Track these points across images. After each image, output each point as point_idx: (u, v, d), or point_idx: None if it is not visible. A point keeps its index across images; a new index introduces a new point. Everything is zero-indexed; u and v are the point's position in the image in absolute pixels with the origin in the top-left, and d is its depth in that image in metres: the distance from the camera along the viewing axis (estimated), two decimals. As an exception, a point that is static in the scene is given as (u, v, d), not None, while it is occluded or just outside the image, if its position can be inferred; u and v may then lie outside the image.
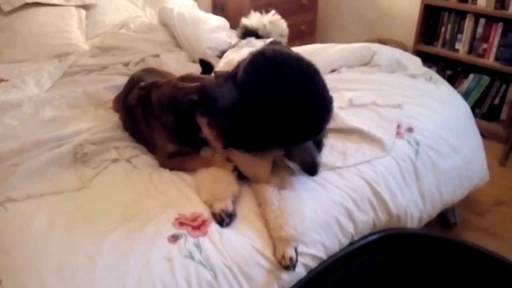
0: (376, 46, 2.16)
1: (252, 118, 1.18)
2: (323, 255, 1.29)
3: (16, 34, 2.36)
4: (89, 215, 1.22)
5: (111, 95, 1.85)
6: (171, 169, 1.43)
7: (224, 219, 1.20)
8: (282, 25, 2.07)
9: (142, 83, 1.58)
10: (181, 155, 1.45)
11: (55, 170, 1.39)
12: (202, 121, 1.33)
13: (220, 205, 1.21)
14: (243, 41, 1.95)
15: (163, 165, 1.46)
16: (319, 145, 1.33)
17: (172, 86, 1.43)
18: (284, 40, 2.09)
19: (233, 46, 2.03)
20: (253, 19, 2.05)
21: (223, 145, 1.29)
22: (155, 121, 1.46)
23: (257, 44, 1.80)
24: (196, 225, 1.19)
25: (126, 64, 2.23)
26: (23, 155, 1.44)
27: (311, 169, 1.28)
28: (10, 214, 1.24)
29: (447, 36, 3.03)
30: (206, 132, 1.33)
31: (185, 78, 1.46)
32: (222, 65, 1.65)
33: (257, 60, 1.21)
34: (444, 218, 2.04)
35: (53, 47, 2.38)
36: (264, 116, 1.16)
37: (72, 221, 1.20)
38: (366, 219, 1.40)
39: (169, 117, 1.42)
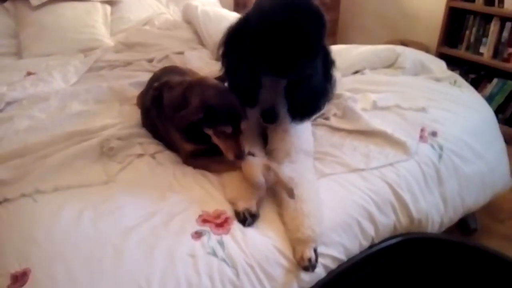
0: (400, 48, 2.15)
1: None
2: (343, 256, 1.29)
3: (44, 29, 2.41)
4: (115, 208, 1.25)
5: (135, 91, 1.88)
6: (195, 167, 1.44)
7: (247, 218, 1.21)
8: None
9: (155, 84, 1.59)
10: (203, 153, 1.46)
11: (82, 163, 1.42)
12: (209, 132, 1.36)
13: (244, 204, 1.22)
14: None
15: (187, 163, 1.47)
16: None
17: (182, 92, 1.43)
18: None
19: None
20: None
21: (234, 155, 1.32)
22: (169, 121, 1.47)
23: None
24: (219, 223, 1.21)
25: (150, 61, 2.26)
26: (52, 147, 1.47)
27: (266, 114, 1.27)
28: (39, 205, 1.27)
29: (472, 40, 2.99)
30: (216, 141, 1.36)
31: (193, 85, 1.45)
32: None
33: None
34: (464, 224, 2.02)
35: (79, 41, 2.43)
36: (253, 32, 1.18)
37: (99, 214, 1.22)
38: (387, 222, 1.40)
39: (181, 125, 1.42)
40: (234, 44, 1.24)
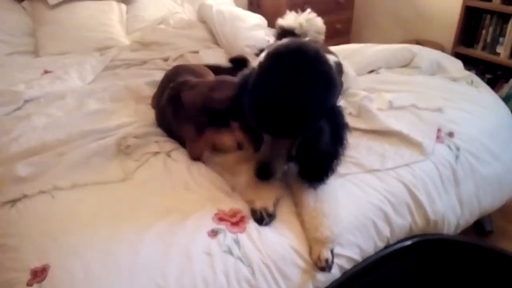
0: (416, 48, 2.13)
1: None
2: (358, 257, 1.29)
3: (60, 27, 2.44)
4: (132, 206, 1.26)
5: (151, 90, 1.89)
6: (199, 158, 1.45)
7: (264, 218, 1.21)
8: (318, 22, 2.06)
9: (171, 84, 1.60)
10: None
11: (99, 161, 1.44)
12: (234, 125, 1.36)
13: (261, 203, 1.22)
14: (278, 42, 1.95)
15: (194, 152, 1.47)
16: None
17: (206, 89, 1.45)
18: (322, 37, 2.08)
19: (268, 47, 2.03)
20: (289, 19, 2.06)
21: (255, 149, 1.30)
22: (186, 119, 1.48)
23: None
24: (235, 221, 1.21)
25: (166, 60, 2.27)
26: (69, 145, 1.49)
27: (258, 168, 1.21)
28: (57, 202, 1.29)
29: (488, 39, 2.96)
30: (240, 136, 1.35)
31: (215, 88, 1.46)
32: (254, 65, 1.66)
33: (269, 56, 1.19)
34: (479, 226, 2.00)
35: (94, 40, 2.46)
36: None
37: (116, 211, 1.23)
38: (403, 224, 1.39)
39: (202, 118, 1.44)
40: (241, 93, 1.22)
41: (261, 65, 1.17)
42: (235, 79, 1.45)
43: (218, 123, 1.40)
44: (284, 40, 1.74)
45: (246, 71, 1.28)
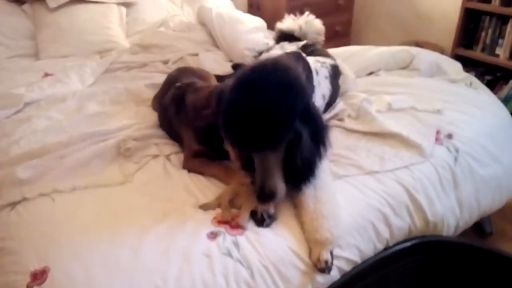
0: (416, 50, 2.14)
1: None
2: (357, 259, 1.29)
3: (61, 30, 2.45)
4: (131, 208, 1.26)
5: (151, 93, 1.90)
6: (189, 170, 1.44)
7: (266, 219, 1.21)
8: (317, 24, 2.07)
9: (178, 84, 1.61)
10: (206, 157, 1.47)
11: (99, 164, 1.45)
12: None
13: (262, 206, 1.23)
14: (277, 46, 1.96)
15: (186, 165, 1.48)
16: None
17: (207, 94, 1.46)
18: (322, 39, 2.08)
19: (267, 50, 2.04)
20: (287, 23, 2.06)
21: (240, 165, 1.32)
22: (187, 121, 1.49)
23: (289, 48, 1.80)
24: (234, 224, 1.22)
25: (166, 62, 2.28)
26: (69, 147, 1.49)
27: (259, 193, 1.20)
28: (57, 204, 1.30)
29: (487, 41, 2.96)
30: (228, 148, 1.36)
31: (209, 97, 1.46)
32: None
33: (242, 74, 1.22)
34: (479, 227, 2.00)
35: (95, 43, 2.46)
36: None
37: (116, 214, 1.24)
38: (402, 225, 1.39)
39: (200, 123, 1.45)
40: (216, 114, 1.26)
41: (232, 85, 1.21)
42: None
43: (214, 131, 1.40)
44: (290, 48, 1.78)
45: (220, 88, 1.31)
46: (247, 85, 1.18)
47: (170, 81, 1.73)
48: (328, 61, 1.73)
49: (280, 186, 1.21)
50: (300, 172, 1.25)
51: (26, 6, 2.54)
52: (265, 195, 1.19)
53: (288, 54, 1.59)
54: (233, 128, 1.18)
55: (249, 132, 1.15)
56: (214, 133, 1.36)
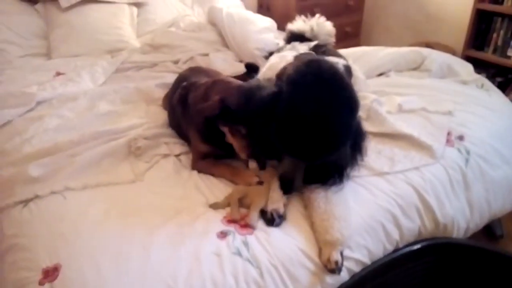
0: (427, 51, 2.12)
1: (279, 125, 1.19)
2: (367, 260, 1.29)
3: (72, 30, 2.47)
4: (142, 207, 1.27)
5: (161, 92, 1.91)
6: (199, 171, 1.45)
7: (275, 219, 1.22)
8: (328, 26, 2.07)
9: (184, 83, 1.62)
10: (214, 157, 1.48)
11: (110, 162, 1.46)
12: (224, 129, 1.39)
13: (272, 205, 1.23)
14: (288, 46, 1.96)
15: (194, 166, 1.48)
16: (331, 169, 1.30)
17: (204, 90, 1.46)
18: (332, 40, 2.08)
19: (278, 50, 2.05)
20: (298, 24, 2.07)
21: (247, 154, 1.34)
22: (190, 120, 1.50)
23: (301, 49, 1.80)
24: (244, 223, 1.22)
25: (176, 62, 2.29)
26: (81, 146, 1.51)
27: (282, 182, 1.28)
28: (68, 202, 1.31)
29: (499, 42, 2.94)
30: (230, 140, 1.38)
31: (216, 83, 1.47)
32: (265, 70, 1.67)
33: (302, 72, 1.21)
34: (489, 230, 1.99)
35: (106, 43, 2.48)
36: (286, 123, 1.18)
37: (127, 212, 1.25)
38: (412, 227, 1.38)
39: (199, 120, 1.45)
40: (262, 119, 1.24)
41: (291, 94, 1.18)
42: (238, 82, 1.47)
43: (214, 127, 1.40)
44: (302, 49, 1.77)
45: (269, 90, 1.26)
46: (317, 99, 1.15)
47: (180, 80, 1.73)
48: (341, 61, 1.73)
49: (300, 184, 1.31)
50: (330, 175, 1.29)
51: (38, 6, 2.57)
52: (288, 188, 1.28)
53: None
54: (295, 139, 1.17)
55: (311, 146, 1.17)
56: (213, 126, 1.38)
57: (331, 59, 1.71)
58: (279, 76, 1.33)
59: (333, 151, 1.19)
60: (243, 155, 1.37)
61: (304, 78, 1.18)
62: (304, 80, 1.18)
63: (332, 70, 1.22)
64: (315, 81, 1.17)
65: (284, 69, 1.35)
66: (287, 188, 1.29)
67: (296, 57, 1.54)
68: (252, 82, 1.46)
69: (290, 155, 1.24)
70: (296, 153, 1.21)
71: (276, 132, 1.19)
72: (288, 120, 1.16)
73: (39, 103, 1.86)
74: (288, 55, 1.65)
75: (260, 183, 1.33)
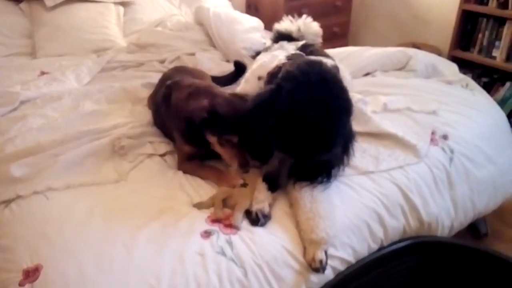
0: (412, 51, 2.14)
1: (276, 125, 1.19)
2: (351, 259, 1.30)
3: (58, 29, 2.44)
4: (125, 207, 1.26)
5: (147, 92, 1.89)
6: (184, 172, 1.44)
7: (260, 219, 1.22)
8: (315, 26, 2.07)
9: (168, 82, 1.61)
10: (199, 158, 1.48)
11: (94, 162, 1.44)
12: (212, 139, 1.38)
13: (257, 205, 1.23)
14: (276, 45, 1.96)
15: (180, 167, 1.47)
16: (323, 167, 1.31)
17: (187, 94, 1.45)
18: (319, 40, 2.09)
19: (266, 49, 2.04)
20: (285, 24, 2.07)
21: (238, 163, 1.34)
22: (173, 120, 1.49)
23: (290, 48, 1.80)
24: (228, 223, 1.22)
25: (162, 62, 2.28)
26: (64, 146, 1.49)
27: (270, 180, 1.30)
28: (51, 202, 1.29)
29: (484, 43, 2.97)
30: (219, 150, 1.38)
31: (201, 89, 1.46)
32: (255, 67, 1.66)
33: (307, 72, 1.21)
34: (474, 228, 2.01)
35: (92, 42, 2.46)
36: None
37: (110, 212, 1.24)
38: (396, 225, 1.39)
39: (182, 123, 1.44)
40: (260, 114, 1.23)
41: (293, 91, 1.18)
42: (223, 91, 1.47)
43: (196, 129, 1.39)
44: (290, 48, 1.77)
45: (264, 90, 1.28)
46: (319, 99, 1.16)
47: (165, 79, 1.72)
48: (329, 61, 1.73)
49: (285, 182, 1.33)
50: (319, 174, 1.30)
51: (23, 5, 2.54)
52: (273, 185, 1.30)
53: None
54: (294, 137, 1.17)
55: (308, 145, 1.17)
56: (195, 130, 1.37)
57: (320, 59, 1.72)
58: (272, 74, 1.34)
59: (327, 151, 1.19)
60: (234, 165, 1.36)
61: (307, 77, 1.18)
62: (308, 79, 1.18)
63: (333, 72, 1.25)
64: (319, 80, 1.18)
65: (278, 67, 1.36)
66: (272, 185, 1.29)
67: (289, 57, 1.53)
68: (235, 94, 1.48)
69: (285, 151, 1.23)
70: (291, 150, 1.21)
71: (274, 128, 1.19)
72: (289, 116, 1.16)
73: (22, 102, 1.84)
74: (279, 55, 1.64)
75: (245, 185, 1.33)
